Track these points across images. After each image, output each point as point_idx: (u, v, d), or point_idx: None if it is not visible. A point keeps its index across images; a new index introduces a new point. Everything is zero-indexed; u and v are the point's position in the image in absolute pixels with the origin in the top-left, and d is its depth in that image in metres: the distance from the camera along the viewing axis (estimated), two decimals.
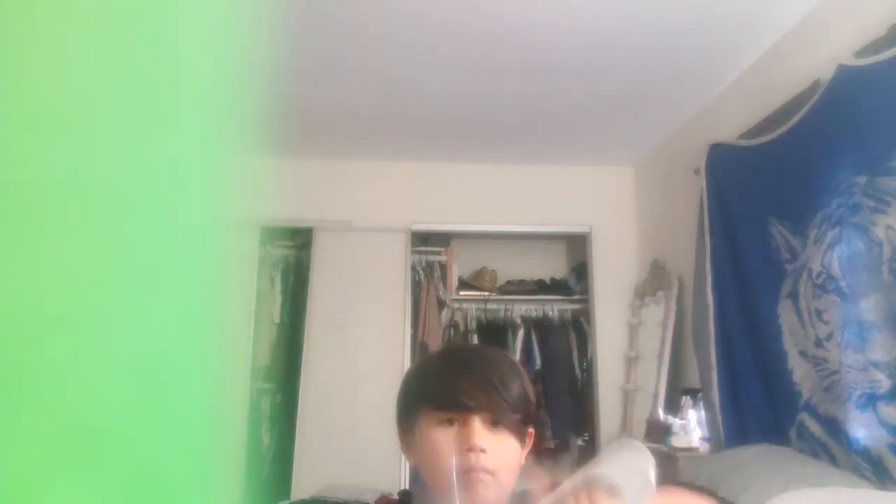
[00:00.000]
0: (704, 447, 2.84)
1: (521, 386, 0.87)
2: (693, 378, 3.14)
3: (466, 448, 0.80)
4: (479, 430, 0.81)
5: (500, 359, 0.91)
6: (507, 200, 4.15)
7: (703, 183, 2.98)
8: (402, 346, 3.72)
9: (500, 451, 0.82)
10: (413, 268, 3.97)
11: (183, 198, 0.31)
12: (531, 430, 0.90)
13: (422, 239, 4.11)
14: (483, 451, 0.80)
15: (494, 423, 0.83)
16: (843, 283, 2.09)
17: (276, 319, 3.87)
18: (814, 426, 2.22)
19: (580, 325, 4.26)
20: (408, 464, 3.50)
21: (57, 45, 0.28)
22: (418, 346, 3.83)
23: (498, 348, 1.01)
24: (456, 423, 0.82)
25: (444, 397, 0.84)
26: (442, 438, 0.82)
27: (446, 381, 0.86)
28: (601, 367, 3.97)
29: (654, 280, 3.78)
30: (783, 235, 2.41)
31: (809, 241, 2.26)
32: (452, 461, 0.80)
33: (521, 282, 4.45)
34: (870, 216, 1.96)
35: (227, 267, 0.32)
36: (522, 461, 0.88)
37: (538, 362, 4.10)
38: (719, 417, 2.71)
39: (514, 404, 0.84)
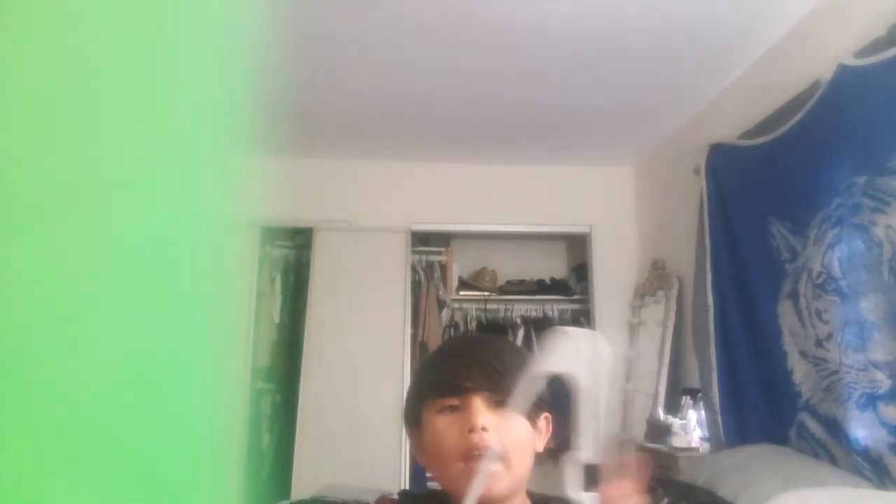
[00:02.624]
0: (704, 447, 2.84)
1: (523, 363, 0.82)
2: (693, 378, 3.14)
3: (468, 429, 0.77)
4: (481, 409, 0.78)
5: (498, 341, 0.89)
6: (507, 200, 4.15)
7: (703, 183, 2.98)
8: (402, 346, 3.72)
9: (507, 432, 0.78)
10: (413, 268, 3.96)
11: (183, 198, 0.31)
12: (546, 415, 0.85)
13: (422, 239, 4.11)
14: (485, 429, 0.76)
15: (497, 403, 0.79)
16: (843, 283, 2.09)
17: (276, 319, 3.87)
18: (814, 426, 2.21)
19: (580, 326, 4.26)
20: (408, 464, 3.50)
21: (56, 44, 0.28)
22: (418, 346, 3.83)
23: (496, 335, 0.97)
24: (458, 409, 0.79)
25: (442, 383, 0.81)
26: (443, 424, 0.79)
27: (443, 369, 0.84)
28: None
29: (654, 280, 3.78)
30: (783, 235, 2.41)
31: (809, 240, 2.25)
32: (455, 444, 0.77)
33: (521, 282, 4.45)
34: (870, 216, 1.96)
35: (227, 267, 0.32)
36: (540, 448, 0.84)
37: None
38: (719, 417, 2.71)
39: (515, 381, 0.78)
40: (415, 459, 3.43)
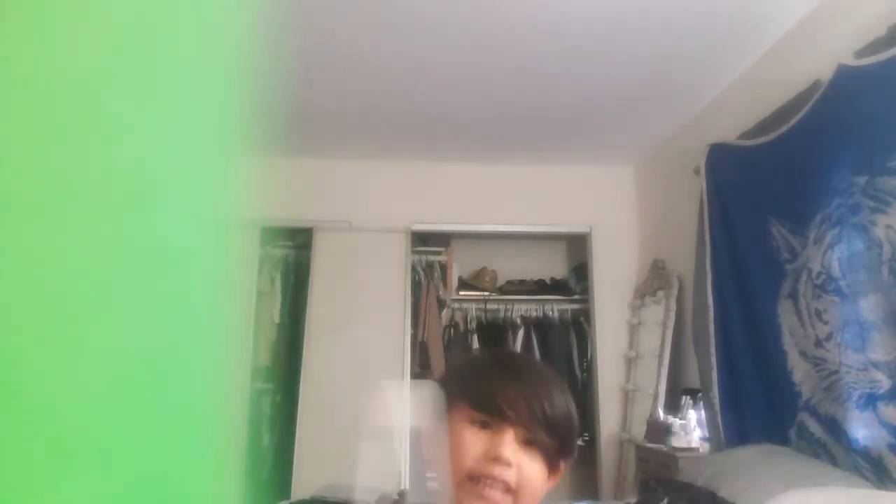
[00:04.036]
0: (704, 447, 2.84)
1: (568, 412, 0.81)
2: (693, 378, 3.14)
3: (493, 457, 0.76)
4: (511, 442, 0.77)
5: (553, 379, 0.86)
6: (507, 200, 4.15)
7: (703, 183, 2.98)
8: (402, 346, 3.72)
9: (525, 471, 0.77)
10: (413, 268, 3.97)
11: (183, 198, 0.31)
12: (562, 464, 0.83)
13: (422, 239, 4.11)
14: (509, 465, 0.76)
15: (528, 441, 0.78)
16: (842, 283, 2.09)
17: (276, 319, 3.87)
18: (814, 426, 2.22)
19: (580, 325, 4.26)
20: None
21: (57, 44, 0.28)
22: (418, 346, 3.83)
23: (551, 369, 0.94)
24: (489, 429, 0.78)
25: (485, 398, 0.79)
26: (469, 439, 0.78)
27: (491, 383, 0.81)
28: (601, 367, 3.97)
29: (654, 280, 3.78)
30: (783, 235, 2.41)
31: (809, 241, 2.26)
32: (474, 465, 0.76)
33: (521, 282, 4.45)
34: (870, 216, 1.96)
35: (227, 267, 0.32)
36: (542, 494, 0.82)
37: None
38: (719, 417, 2.71)
39: (554, 428, 0.79)
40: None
